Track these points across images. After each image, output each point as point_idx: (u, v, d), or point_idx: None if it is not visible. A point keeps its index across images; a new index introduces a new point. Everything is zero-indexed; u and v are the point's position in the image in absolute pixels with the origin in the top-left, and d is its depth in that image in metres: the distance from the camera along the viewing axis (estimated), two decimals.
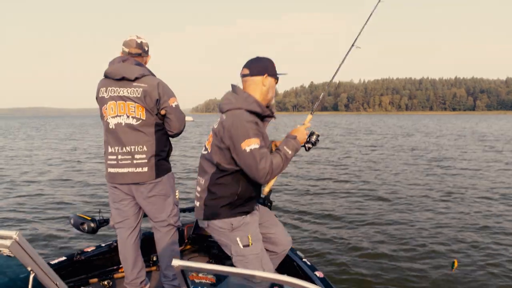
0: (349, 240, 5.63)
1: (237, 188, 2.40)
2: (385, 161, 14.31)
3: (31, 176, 11.85)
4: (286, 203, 7.92)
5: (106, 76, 2.85)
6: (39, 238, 5.80)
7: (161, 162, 2.88)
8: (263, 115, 2.45)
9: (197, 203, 2.50)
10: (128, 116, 2.77)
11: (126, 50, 2.92)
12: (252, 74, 2.49)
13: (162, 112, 2.82)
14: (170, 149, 3.00)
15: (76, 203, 8.06)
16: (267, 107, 2.51)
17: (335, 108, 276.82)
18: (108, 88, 2.81)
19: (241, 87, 2.52)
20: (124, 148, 2.79)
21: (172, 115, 2.83)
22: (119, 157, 2.80)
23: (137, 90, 2.75)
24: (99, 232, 3.44)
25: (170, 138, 3.01)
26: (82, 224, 3.30)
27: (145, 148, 2.80)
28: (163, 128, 2.90)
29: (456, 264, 3.40)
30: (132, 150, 2.78)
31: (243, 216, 2.45)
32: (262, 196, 3.64)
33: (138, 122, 2.78)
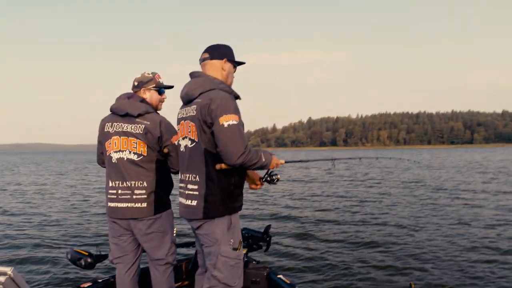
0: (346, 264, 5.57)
1: (232, 175, 2.38)
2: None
3: (32, 208, 11.79)
4: (283, 229, 7.85)
5: (112, 111, 2.92)
6: (36, 271, 5.72)
7: (161, 198, 2.88)
8: (231, 95, 2.42)
9: (193, 202, 2.42)
10: (130, 152, 2.82)
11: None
12: (211, 57, 2.52)
13: (165, 150, 2.86)
14: (171, 186, 3.01)
15: (74, 236, 8.00)
16: None
17: (333, 143, 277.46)
18: (114, 124, 2.88)
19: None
20: (124, 182, 2.82)
21: (174, 152, 2.85)
22: (119, 191, 2.82)
23: (139, 127, 2.80)
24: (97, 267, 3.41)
25: (172, 175, 3.03)
26: (79, 259, 3.26)
27: (145, 184, 2.81)
28: (164, 165, 2.92)
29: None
30: (132, 185, 2.80)
31: (238, 213, 2.46)
32: (261, 230, 3.64)
33: (140, 158, 2.81)
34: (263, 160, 2.38)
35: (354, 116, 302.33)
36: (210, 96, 2.32)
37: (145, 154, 2.81)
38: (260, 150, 2.41)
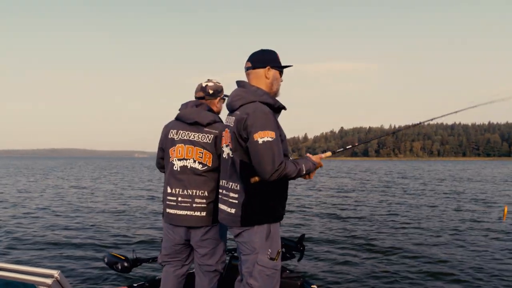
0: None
1: (272, 185, 2.34)
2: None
3: (73, 212, 11.96)
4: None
5: (178, 118, 2.95)
6: (73, 274, 5.86)
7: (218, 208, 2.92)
8: (275, 107, 2.40)
9: (231, 210, 2.41)
10: (194, 161, 2.84)
11: (195, 94, 3.06)
12: (254, 66, 2.45)
13: None
14: None
15: (111, 240, 8.14)
16: None
17: (365, 153, 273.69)
18: (179, 131, 2.90)
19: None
20: (185, 190, 2.84)
21: None
22: (179, 199, 2.85)
23: (208, 136, 2.83)
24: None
25: None
26: (116, 263, 3.34)
27: (206, 193, 2.84)
28: None
29: (506, 211, 3.02)
30: (194, 193, 2.83)
31: (278, 223, 2.43)
32: (294, 240, 3.63)
33: (204, 168, 2.83)
34: (303, 171, 2.35)
35: (386, 126, 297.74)
36: (247, 110, 2.30)
37: (210, 165, 2.83)
38: (300, 162, 2.37)
